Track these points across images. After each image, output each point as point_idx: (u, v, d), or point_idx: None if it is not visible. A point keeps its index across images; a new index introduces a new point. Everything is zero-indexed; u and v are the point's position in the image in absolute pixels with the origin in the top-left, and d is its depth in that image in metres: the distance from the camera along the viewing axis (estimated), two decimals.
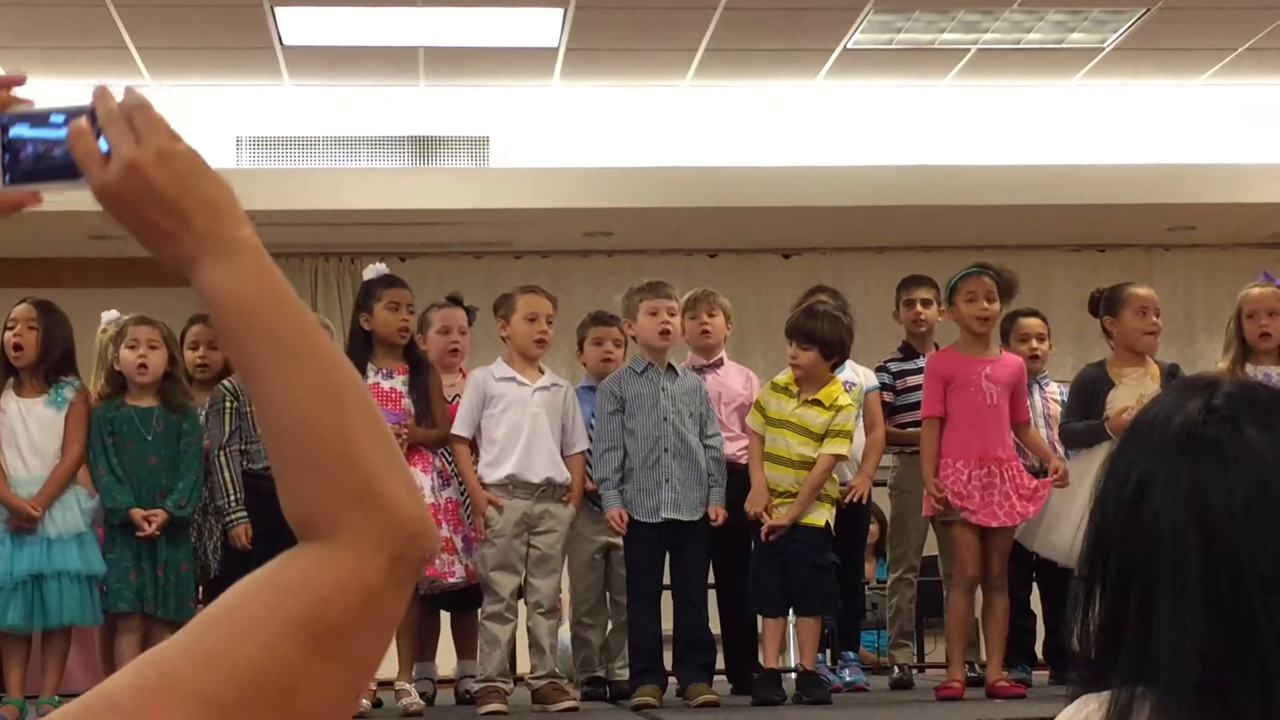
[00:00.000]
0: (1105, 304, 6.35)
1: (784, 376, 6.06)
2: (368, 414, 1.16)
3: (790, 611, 6.08)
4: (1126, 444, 1.49)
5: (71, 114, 1.20)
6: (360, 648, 1.10)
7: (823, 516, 5.92)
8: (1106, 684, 1.43)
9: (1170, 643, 1.37)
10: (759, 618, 6.26)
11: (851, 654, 6.76)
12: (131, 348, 5.90)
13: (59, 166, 1.21)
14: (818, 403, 5.93)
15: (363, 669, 1.11)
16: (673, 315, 6.13)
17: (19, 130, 1.23)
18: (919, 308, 6.86)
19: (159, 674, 1.05)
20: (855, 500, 6.31)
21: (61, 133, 1.20)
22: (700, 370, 6.38)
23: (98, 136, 1.18)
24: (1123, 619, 1.42)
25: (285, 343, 1.15)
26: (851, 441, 6.09)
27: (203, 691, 1.03)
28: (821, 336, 5.94)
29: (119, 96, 1.20)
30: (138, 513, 5.78)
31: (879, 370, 6.78)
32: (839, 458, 5.99)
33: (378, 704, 6.05)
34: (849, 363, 6.60)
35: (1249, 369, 6.05)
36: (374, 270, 6.21)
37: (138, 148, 1.17)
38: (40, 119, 1.23)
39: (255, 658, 1.05)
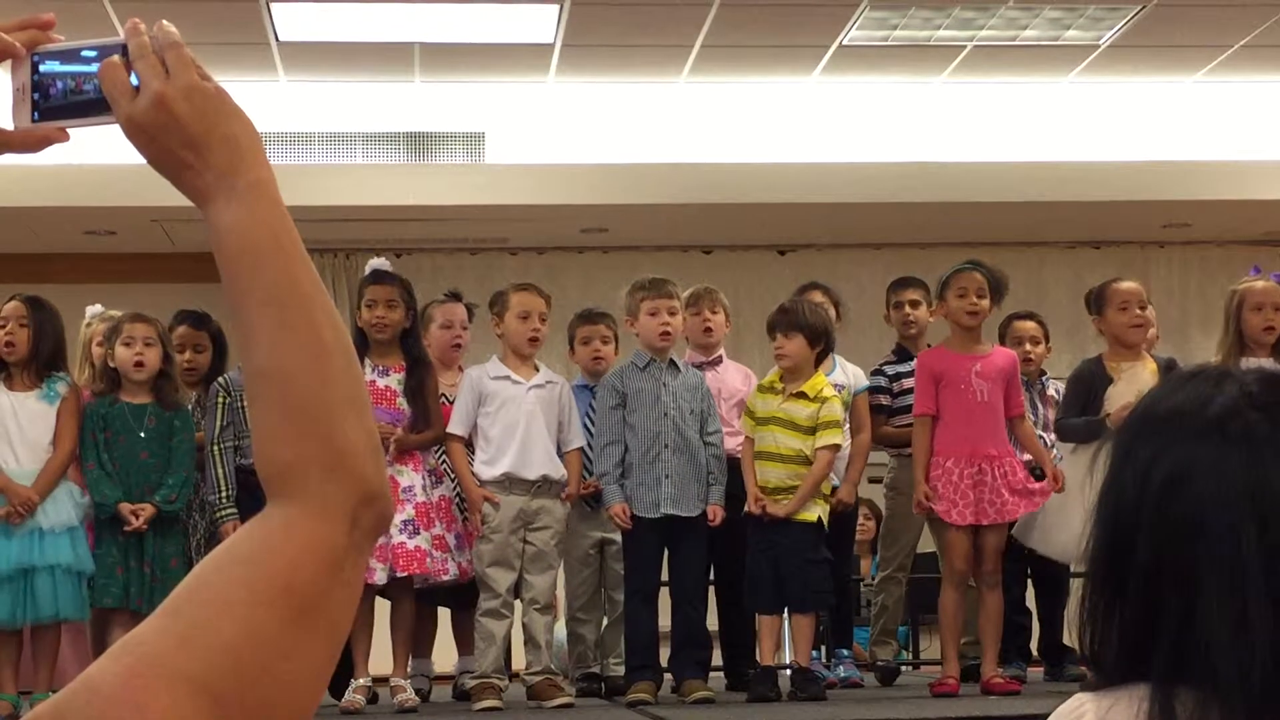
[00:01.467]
0: (1094, 302, 6.37)
1: (769, 376, 6.07)
2: (347, 372, 1.17)
3: (784, 608, 6.07)
4: (1145, 434, 1.44)
5: (104, 49, 1.22)
6: (331, 613, 1.11)
7: (815, 512, 5.92)
8: (1120, 681, 1.40)
9: (1227, 636, 1.33)
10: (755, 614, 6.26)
11: (845, 651, 6.76)
12: (127, 345, 5.89)
13: (89, 102, 1.23)
14: (803, 395, 5.94)
15: (336, 634, 1.12)
16: (674, 315, 6.12)
17: (50, 66, 1.25)
18: (907, 309, 6.84)
19: (138, 657, 1.04)
20: (840, 511, 6.31)
21: (93, 68, 1.22)
22: (699, 367, 6.37)
23: (129, 72, 1.20)
24: (1153, 617, 1.37)
25: (279, 289, 1.17)
26: (842, 429, 6.10)
27: (185, 670, 1.03)
28: (805, 322, 5.96)
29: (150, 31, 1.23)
30: (125, 507, 5.78)
31: (875, 374, 6.75)
32: (836, 448, 6.00)
33: (373, 699, 6.04)
34: (839, 363, 6.60)
35: (1242, 361, 6.04)
36: (372, 264, 6.22)
37: (167, 82, 1.20)
38: (71, 55, 1.25)
39: (233, 633, 1.05)
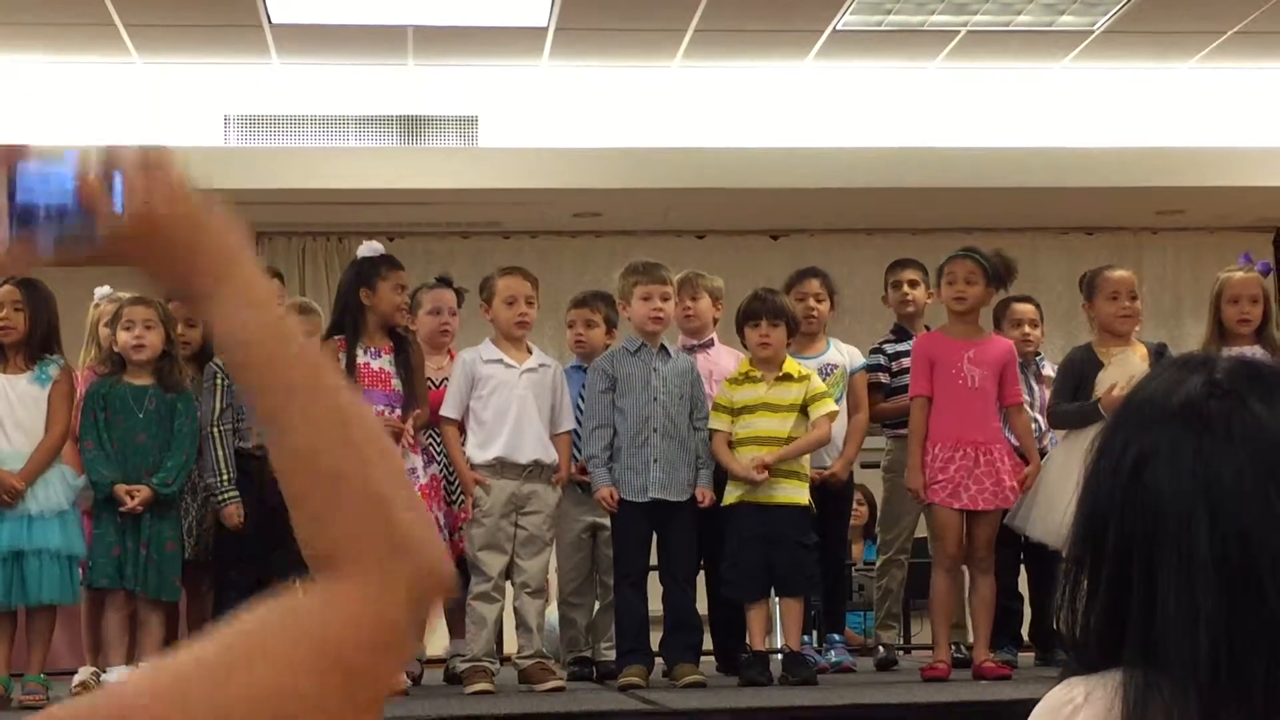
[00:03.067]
0: (1085, 288, 6.40)
1: (742, 367, 6.08)
2: (384, 452, 1.18)
3: (771, 592, 6.07)
4: (1121, 421, 1.47)
5: (82, 159, 1.20)
6: (378, 687, 1.12)
7: (805, 495, 5.94)
8: (1099, 666, 1.42)
9: (1179, 620, 1.35)
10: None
11: (837, 635, 6.77)
12: (127, 328, 5.88)
13: (68, 214, 1.20)
14: (787, 377, 5.97)
15: (373, 702, 1.12)
16: (666, 300, 6.12)
17: (27, 179, 1.20)
18: (905, 289, 6.89)
19: (172, 680, 1.05)
20: (833, 485, 6.35)
21: (70, 179, 1.19)
22: (690, 350, 6.38)
23: (109, 185, 1.19)
24: (1124, 600, 1.40)
25: (299, 379, 1.17)
26: (833, 398, 6.15)
27: (212, 704, 1.04)
28: (789, 311, 6.06)
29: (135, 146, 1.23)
30: (121, 488, 5.76)
31: (874, 352, 6.81)
32: (834, 415, 6.07)
33: None
34: (833, 343, 6.64)
35: (1224, 351, 6.06)
36: (371, 248, 6.16)
37: (150, 191, 1.19)
38: (49, 165, 1.21)
39: (270, 683, 1.06)
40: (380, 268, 6.01)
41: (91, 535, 5.88)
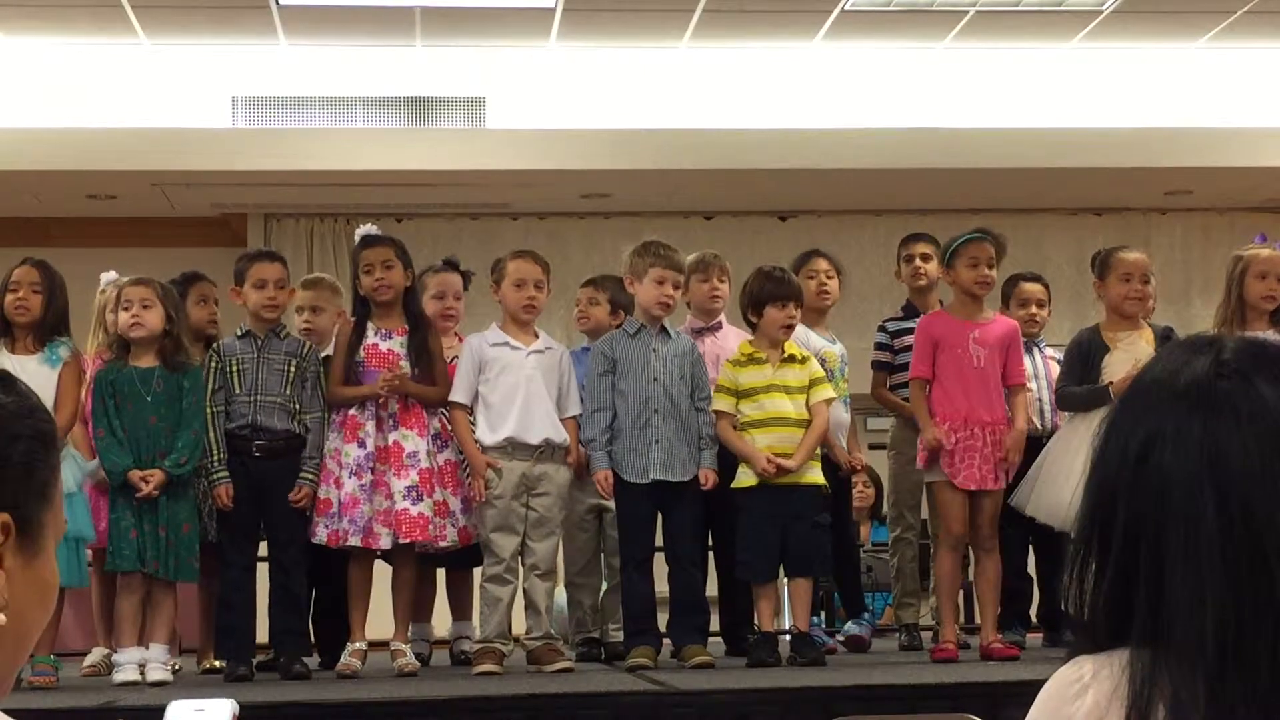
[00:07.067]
0: (1098, 266, 6.34)
1: (744, 349, 6.05)
2: None
3: (780, 571, 6.07)
4: (1129, 403, 1.47)
5: None
6: None
7: (820, 475, 5.95)
8: (1106, 645, 1.42)
9: (1186, 600, 1.36)
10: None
11: (866, 615, 6.86)
12: (126, 309, 5.87)
13: None
14: (791, 359, 5.98)
15: None
16: (676, 288, 6.11)
17: None
18: (919, 262, 6.84)
19: None
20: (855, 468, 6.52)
21: None
22: (699, 332, 6.37)
23: None
24: (1132, 580, 1.40)
25: None
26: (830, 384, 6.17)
27: None
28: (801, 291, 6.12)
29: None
30: (135, 474, 5.75)
31: (878, 330, 6.81)
32: (831, 401, 6.06)
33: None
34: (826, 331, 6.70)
35: (1240, 332, 6.03)
36: (357, 233, 6.23)
37: None
38: None
39: None
40: (356, 254, 6.16)
41: (108, 520, 5.87)
